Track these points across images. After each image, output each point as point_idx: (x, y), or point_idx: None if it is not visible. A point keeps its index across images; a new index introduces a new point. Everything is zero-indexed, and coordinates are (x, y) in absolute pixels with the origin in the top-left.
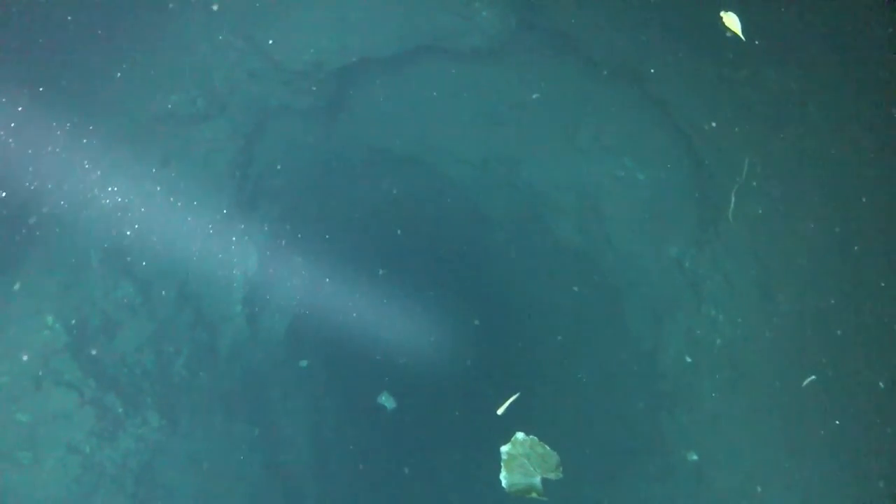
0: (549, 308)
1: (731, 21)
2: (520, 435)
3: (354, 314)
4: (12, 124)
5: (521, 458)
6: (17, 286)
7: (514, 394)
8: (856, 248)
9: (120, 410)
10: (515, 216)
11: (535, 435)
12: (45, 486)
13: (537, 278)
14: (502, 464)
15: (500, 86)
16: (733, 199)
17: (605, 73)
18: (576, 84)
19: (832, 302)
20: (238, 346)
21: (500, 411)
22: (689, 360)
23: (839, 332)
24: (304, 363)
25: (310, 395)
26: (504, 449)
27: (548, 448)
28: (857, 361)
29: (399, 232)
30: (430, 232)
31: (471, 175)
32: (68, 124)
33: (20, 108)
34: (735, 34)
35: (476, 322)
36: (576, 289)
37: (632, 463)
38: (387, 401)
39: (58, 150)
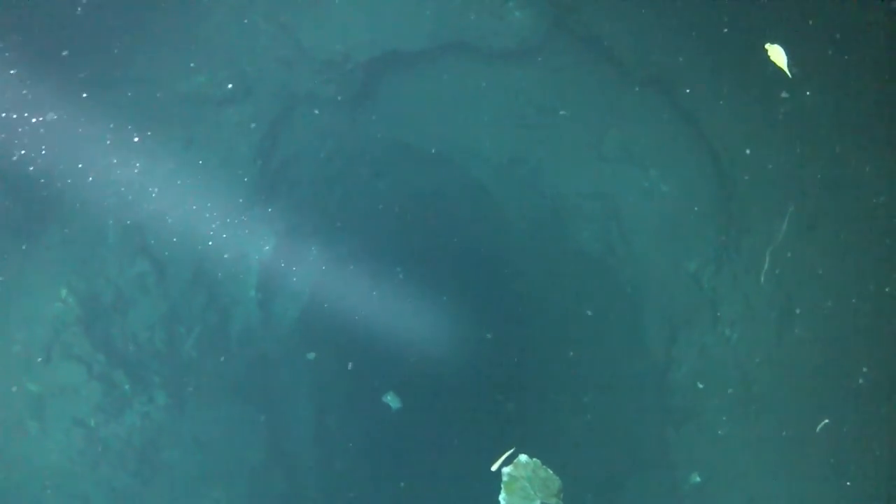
0: (563, 316)
1: (777, 55)
2: (523, 457)
3: (366, 309)
4: (37, 101)
5: (522, 481)
6: (33, 258)
7: (510, 449)
8: (887, 290)
9: (127, 387)
10: (536, 220)
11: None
12: (50, 456)
13: (553, 285)
14: (503, 485)
15: (528, 88)
16: (768, 259)
17: (637, 85)
18: (605, 92)
19: (854, 339)
20: (249, 331)
21: (494, 467)
22: (700, 386)
23: (861, 382)
24: (311, 355)
25: (316, 387)
26: (506, 470)
27: (550, 472)
28: (876, 407)
29: (417, 229)
30: (448, 230)
31: (493, 176)
32: (93, 100)
33: (45, 84)
34: (780, 69)
35: (489, 335)
36: (589, 313)
37: (635, 478)
38: (392, 400)
39: (81, 125)
